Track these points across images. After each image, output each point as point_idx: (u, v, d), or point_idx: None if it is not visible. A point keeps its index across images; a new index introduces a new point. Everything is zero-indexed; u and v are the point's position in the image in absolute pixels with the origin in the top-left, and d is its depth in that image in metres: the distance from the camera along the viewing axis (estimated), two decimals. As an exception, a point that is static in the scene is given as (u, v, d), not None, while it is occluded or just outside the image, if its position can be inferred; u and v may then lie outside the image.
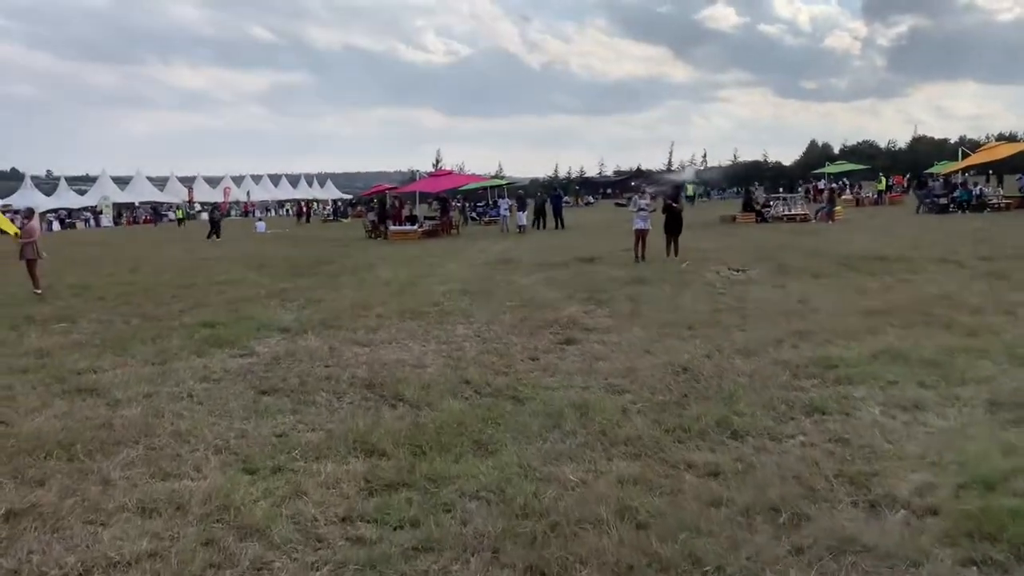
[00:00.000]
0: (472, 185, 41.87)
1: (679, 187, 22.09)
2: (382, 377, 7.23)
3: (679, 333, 8.96)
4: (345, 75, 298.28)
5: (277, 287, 14.70)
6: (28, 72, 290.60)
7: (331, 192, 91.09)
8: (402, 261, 19.67)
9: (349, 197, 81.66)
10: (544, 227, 32.69)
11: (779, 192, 36.05)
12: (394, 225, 30.78)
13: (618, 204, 66.27)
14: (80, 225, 63.39)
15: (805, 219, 31.00)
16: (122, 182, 73.02)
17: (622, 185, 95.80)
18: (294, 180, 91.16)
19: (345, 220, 53.58)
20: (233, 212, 73.04)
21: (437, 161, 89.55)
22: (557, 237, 27.57)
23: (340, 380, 7.20)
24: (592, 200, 79.49)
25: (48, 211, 61.68)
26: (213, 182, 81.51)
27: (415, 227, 30.38)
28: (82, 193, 70.17)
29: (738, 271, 14.63)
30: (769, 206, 33.57)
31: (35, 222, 15.90)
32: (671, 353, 7.91)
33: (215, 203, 57.21)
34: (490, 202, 43.44)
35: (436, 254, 21.64)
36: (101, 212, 66.18)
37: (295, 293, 13.70)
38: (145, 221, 66.79)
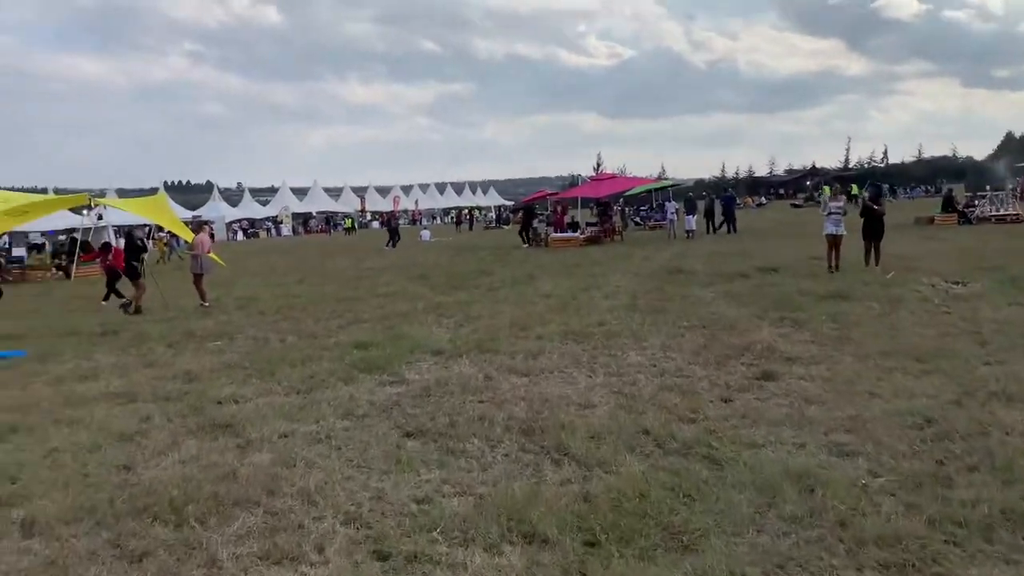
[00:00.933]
0: (637, 189, 40.10)
1: (879, 186, 19.65)
2: (543, 420, 6.11)
3: (906, 366, 7.26)
4: (507, 83, 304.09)
5: (435, 300, 14.03)
6: (221, 93, 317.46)
7: (493, 199, 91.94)
8: (563, 271, 18.57)
9: (511, 203, 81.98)
10: (715, 231, 30.68)
11: (986, 189, 31.77)
12: (556, 232, 29.89)
13: (794, 205, 62.39)
14: (263, 234, 67.33)
15: (1017, 219, 27.23)
16: (300, 193, 76.88)
17: (795, 184, 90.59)
18: (459, 188, 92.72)
19: (507, 227, 53.69)
20: (402, 220, 75.16)
21: (598, 164, 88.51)
22: (730, 243, 25.51)
23: (495, 422, 6.14)
24: (764, 201, 75.37)
25: (233, 221, 66.01)
26: (384, 191, 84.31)
27: (576, 234, 29.35)
28: (264, 204, 74.47)
29: (958, 284, 12.43)
30: (973, 205, 29.86)
31: (203, 235, 15.96)
32: (904, 396, 6.27)
33: (390, 211, 58.84)
34: (654, 205, 41.61)
35: (599, 263, 20.37)
36: (281, 222, 69.95)
37: (453, 308, 12.93)
38: (320, 231, 70.00)
